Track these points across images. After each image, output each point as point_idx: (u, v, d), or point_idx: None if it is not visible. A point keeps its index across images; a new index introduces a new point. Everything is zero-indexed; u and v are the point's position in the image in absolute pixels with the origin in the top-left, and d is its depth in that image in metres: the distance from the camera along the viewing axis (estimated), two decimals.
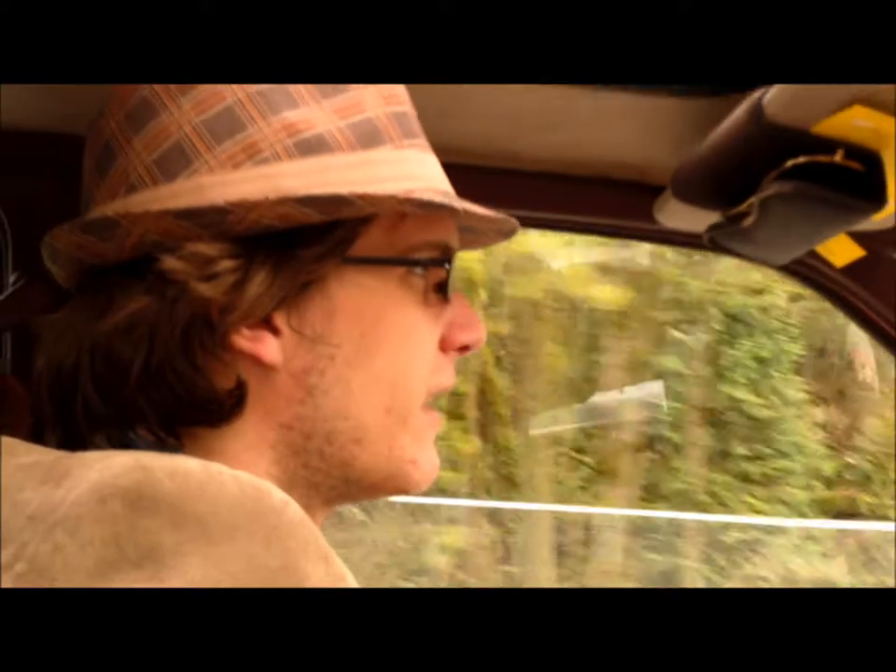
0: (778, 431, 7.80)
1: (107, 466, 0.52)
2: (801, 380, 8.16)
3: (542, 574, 6.49)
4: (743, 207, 0.84)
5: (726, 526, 7.07)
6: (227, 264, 0.57)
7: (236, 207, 0.56)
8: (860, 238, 0.93)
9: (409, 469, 0.63)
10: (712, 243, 0.91)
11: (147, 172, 0.58)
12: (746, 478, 7.67)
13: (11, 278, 0.85)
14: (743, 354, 7.58)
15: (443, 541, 6.29)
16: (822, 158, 0.75)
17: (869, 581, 6.99)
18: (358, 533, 5.99)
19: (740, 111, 0.75)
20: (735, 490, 7.48)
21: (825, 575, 7.10)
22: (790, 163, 0.77)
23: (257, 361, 0.59)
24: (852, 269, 0.98)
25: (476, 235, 0.68)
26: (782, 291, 7.86)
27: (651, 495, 7.33)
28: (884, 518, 7.79)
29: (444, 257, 0.63)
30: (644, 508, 7.05)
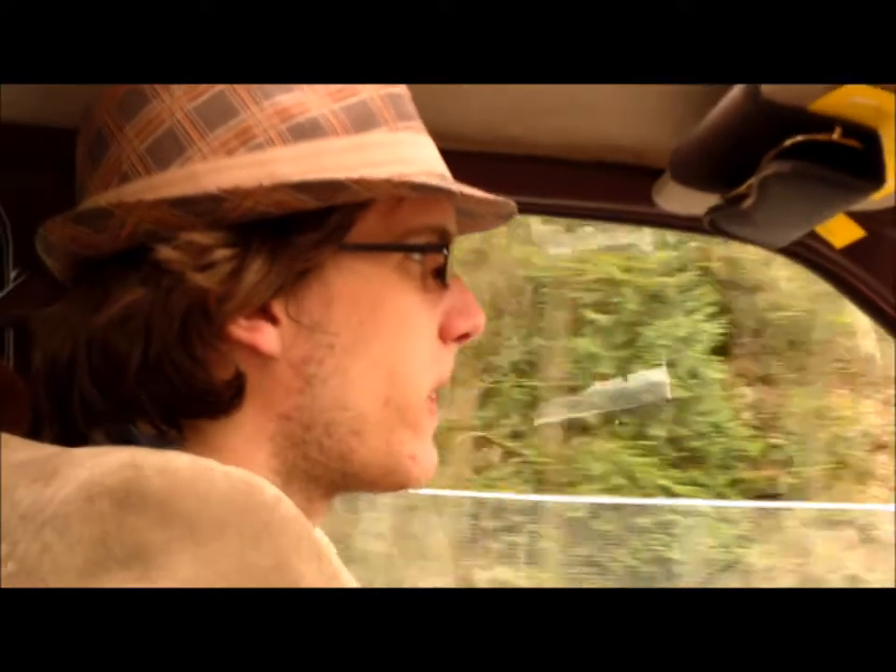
0: (697, 412, 7.79)
1: (96, 464, 0.51)
2: (722, 360, 8.19)
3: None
4: (742, 189, 0.83)
5: (641, 509, 7.05)
6: (223, 253, 0.56)
7: (231, 195, 0.55)
8: (859, 218, 0.93)
9: (408, 465, 0.63)
10: (712, 225, 0.91)
11: (139, 160, 0.58)
12: (662, 460, 7.66)
13: (12, 274, 0.85)
14: (658, 334, 7.53)
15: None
16: (820, 136, 0.75)
17: (782, 564, 7.00)
18: None
19: (737, 91, 0.75)
20: (651, 472, 7.49)
21: (739, 557, 7.11)
22: (788, 143, 0.77)
23: (255, 351, 0.58)
24: (852, 250, 0.98)
25: (474, 219, 0.68)
26: (700, 269, 7.89)
27: (570, 478, 7.33)
28: (803, 498, 7.84)
29: (442, 241, 0.63)
30: (561, 493, 7.05)
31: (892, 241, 1.02)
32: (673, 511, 7.25)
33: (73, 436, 0.58)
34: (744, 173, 0.82)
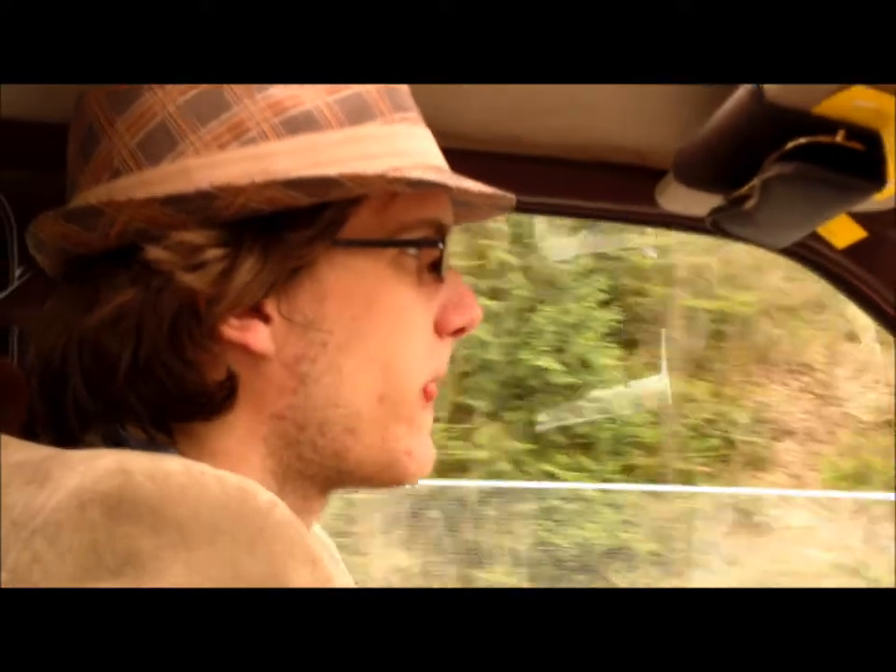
0: (587, 399, 7.81)
1: (88, 469, 0.51)
2: (615, 347, 8.17)
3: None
4: (745, 190, 0.83)
5: (523, 494, 7.07)
6: (214, 253, 0.55)
7: (223, 192, 0.55)
8: (861, 219, 0.93)
9: (404, 461, 0.62)
10: (714, 226, 0.91)
11: (131, 155, 0.57)
12: (550, 445, 7.67)
13: (17, 272, 0.85)
14: (546, 320, 7.52)
15: None
16: (823, 138, 0.75)
17: (662, 548, 7.04)
18: None
19: (741, 93, 0.75)
20: (536, 458, 7.51)
21: (624, 542, 7.16)
22: (790, 145, 0.77)
23: (247, 351, 0.57)
24: (854, 250, 0.98)
25: (471, 209, 0.66)
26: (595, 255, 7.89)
27: (454, 464, 7.34)
28: (692, 483, 7.91)
29: (437, 235, 0.61)
30: (446, 478, 7.02)
31: (894, 242, 1.02)
32: (558, 496, 7.27)
33: (67, 437, 0.58)
34: (747, 174, 0.82)
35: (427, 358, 0.62)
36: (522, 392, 7.53)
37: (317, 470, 0.61)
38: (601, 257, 8.03)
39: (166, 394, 0.56)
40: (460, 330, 0.64)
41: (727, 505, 7.62)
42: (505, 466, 7.37)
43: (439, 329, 0.63)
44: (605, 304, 8.18)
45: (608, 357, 8.03)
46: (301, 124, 0.57)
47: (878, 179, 0.75)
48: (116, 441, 0.57)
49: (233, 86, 0.56)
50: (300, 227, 0.56)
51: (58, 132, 0.65)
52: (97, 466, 0.51)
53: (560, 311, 7.62)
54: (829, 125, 0.74)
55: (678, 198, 0.95)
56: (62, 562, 0.48)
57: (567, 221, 5.68)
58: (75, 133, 0.60)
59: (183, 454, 0.57)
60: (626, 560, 7.14)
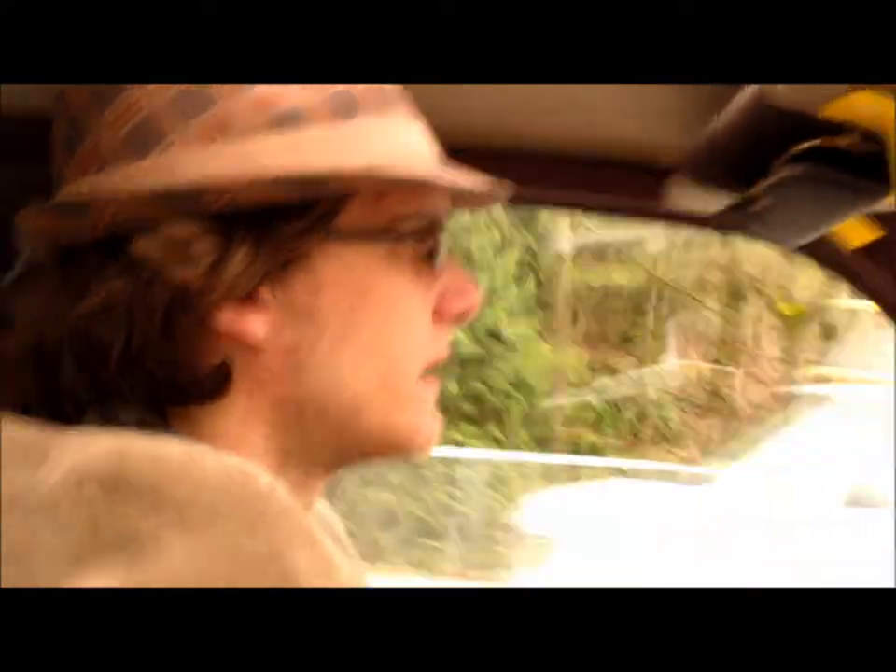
0: (499, 370, 7.72)
1: (86, 448, 0.51)
2: (532, 320, 8.12)
3: None
4: (755, 191, 0.82)
5: (429, 461, 7.14)
6: (203, 246, 0.54)
7: (211, 188, 0.54)
8: (878, 219, 0.92)
9: (410, 437, 0.61)
10: (724, 225, 0.90)
11: (117, 148, 0.56)
12: (459, 415, 7.63)
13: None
14: None
15: None
16: (836, 140, 0.74)
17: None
18: None
19: (746, 93, 0.74)
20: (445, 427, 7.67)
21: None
22: (804, 146, 0.76)
23: (242, 340, 0.57)
24: (870, 250, 0.97)
25: (467, 197, 0.66)
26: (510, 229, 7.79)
27: None
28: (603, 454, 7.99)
29: (432, 225, 0.61)
30: None
31: None
32: (461, 463, 7.32)
33: (63, 419, 0.57)
34: (757, 172, 0.81)
35: (425, 346, 0.62)
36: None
37: (320, 451, 0.61)
38: (517, 230, 8.00)
39: (159, 381, 0.56)
40: (460, 316, 0.63)
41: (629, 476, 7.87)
42: None
43: (438, 317, 0.62)
44: (518, 278, 8.14)
45: (522, 329, 8.02)
46: (288, 119, 0.56)
47: (887, 181, 0.74)
48: (113, 423, 0.56)
49: None
50: (292, 219, 0.56)
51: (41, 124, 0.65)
52: (95, 445, 0.51)
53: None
54: (835, 128, 0.72)
55: (686, 196, 0.94)
56: (59, 539, 0.48)
57: None
58: (58, 127, 0.60)
59: (180, 436, 0.57)
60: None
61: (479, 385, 7.97)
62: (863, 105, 0.67)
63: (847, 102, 0.68)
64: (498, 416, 8.06)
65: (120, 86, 0.56)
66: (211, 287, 0.55)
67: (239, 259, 0.55)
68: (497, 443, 7.90)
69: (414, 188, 0.60)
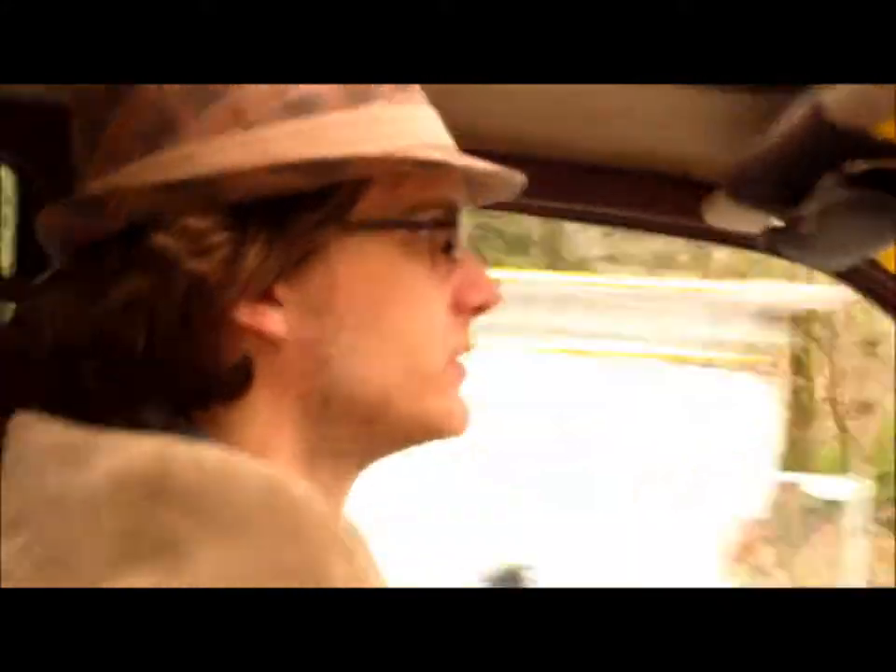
0: None
1: (127, 452, 0.51)
2: None
3: None
4: (802, 212, 0.80)
5: None
6: (219, 237, 0.54)
7: (226, 177, 0.54)
8: None
9: (442, 421, 0.61)
10: (768, 246, 0.88)
11: (133, 143, 0.56)
12: None
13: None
14: None
15: None
16: (888, 163, 0.72)
17: None
18: None
19: (799, 110, 0.71)
20: None
21: None
22: (853, 169, 0.73)
23: (261, 336, 0.57)
24: None
25: (485, 190, 0.65)
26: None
27: None
28: None
29: (449, 215, 0.60)
30: None
31: None
32: None
33: (88, 421, 0.57)
34: (802, 193, 0.79)
35: (445, 337, 0.61)
36: None
37: (349, 444, 0.60)
38: None
39: (182, 380, 0.56)
40: (479, 309, 0.63)
41: None
42: None
43: (456, 309, 0.62)
44: None
45: None
46: (302, 107, 0.56)
47: None
48: (139, 427, 0.56)
49: None
50: (307, 210, 0.55)
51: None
52: (138, 447, 0.51)
53: None
54: (890, 148, 0.70)
55: (726, 214, 0.91)
56: (99, 543, 0.48)
57: None
58: (77, 123, 0.60)
59: (211, 440, 0.57)
60: None
61: None
62: None
63: None
64: None
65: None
66: (228, 279, 0.55)
67: (255, 252, 0.55)
68: None
69: (432, 175, 0.59)
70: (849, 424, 7.47)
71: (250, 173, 0.54)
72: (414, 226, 0.59)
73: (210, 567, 0.48)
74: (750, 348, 6.19)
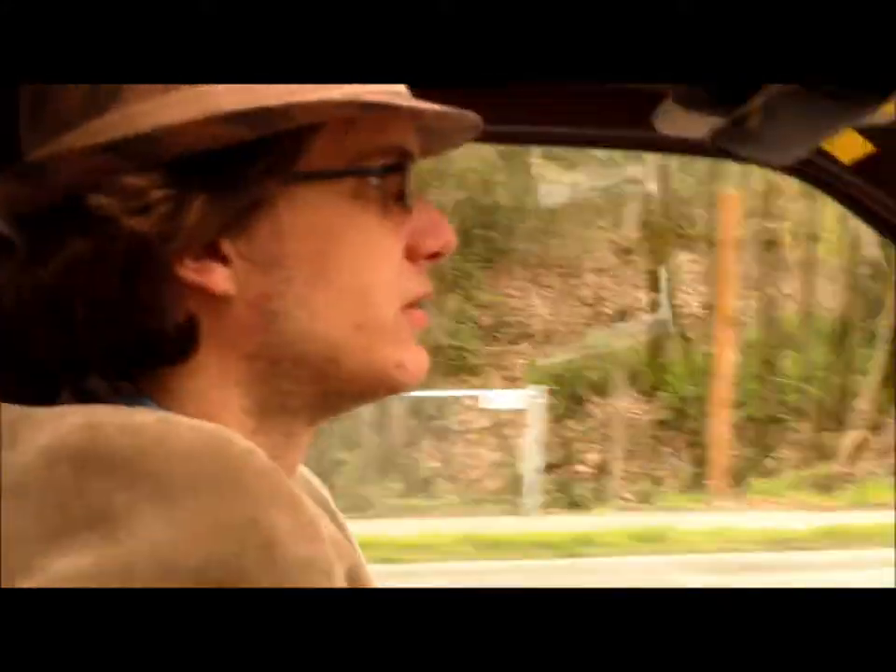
0: None
1: (56, 426, 0.50)
2: None
3: None
4: (745, 109, 0.81)
5: None
6: (158, 194, 0.53)
7: (164, 133, 0.53)
8: (869, 134, 0.91)
9: (395, 373, 0.60)
10: (716, 147, 0.89)
11: (76, 110, 0.55)
12: None
13: None
14: None
15: None
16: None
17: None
18: None
19: None
20: None
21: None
22: None
23: (208, 293, 0.56)
24: (861, 166, 0.96)
25: (440, 137, 0.64)
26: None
27: None
28: None
29: (400, 162, 0.59)
30: None
31: None
32: None
33: (38, 395, 0.57)
34: (747, 92, 0.80)
35: (398, 285, 0.60)
36: None
37: (300, 401, 0.59)
38: None
39: (127, 341, 0.55)
40: (435, 255, 0.62)
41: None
42: None
43: (410, 256, 0.61)
44: None
45: None
46: None
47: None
48: (86, 395, 0.56)
49: None
50: (249, 162, 0.55)
51: None
52: (65, 422, 0.50)
53: None
54: None
55: (676, 122, 0.92)
56: (32, 520, 0.48)
57: None
58: (24, 95, 0.59)
59: (156, 402, 0.57)
60: None
61: None
62: None
63: None
64: None
65: None
66: (169, 235, 0.54)
67: (197, 208, 0.54)
68: None
69: (382, 122, 0.58)
70: None
71: (188, 127, 0.53)
72: (363, 173, 0.58)
73: (148, 532, 0.47)
74: None
